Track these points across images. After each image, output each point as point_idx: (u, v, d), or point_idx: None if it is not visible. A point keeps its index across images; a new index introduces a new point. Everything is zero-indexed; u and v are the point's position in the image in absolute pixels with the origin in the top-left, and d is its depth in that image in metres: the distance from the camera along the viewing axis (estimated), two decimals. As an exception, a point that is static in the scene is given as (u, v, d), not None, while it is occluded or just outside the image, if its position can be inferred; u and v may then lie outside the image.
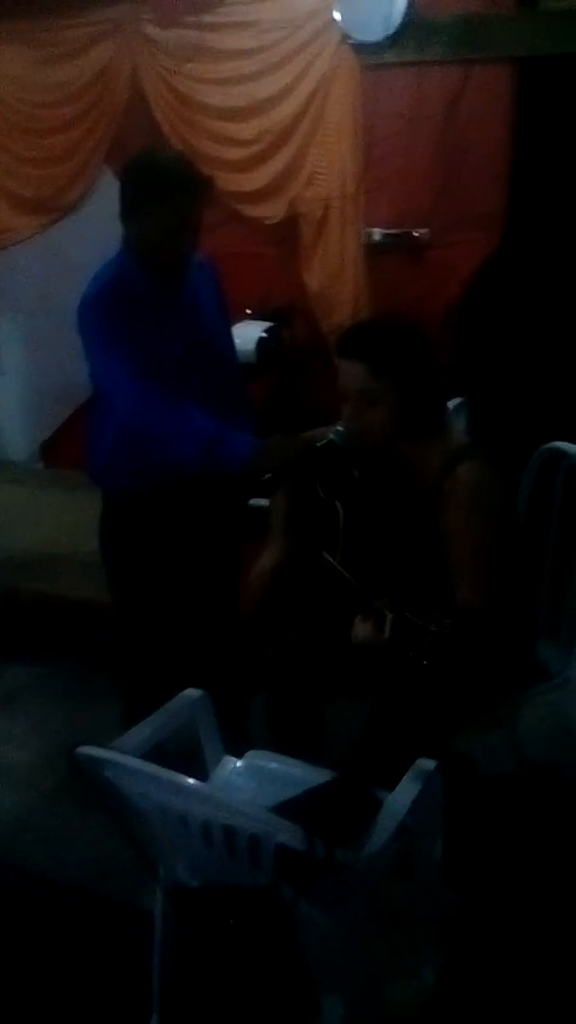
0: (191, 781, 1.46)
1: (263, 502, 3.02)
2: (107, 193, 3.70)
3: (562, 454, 2.44)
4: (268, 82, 3.32)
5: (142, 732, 1.82)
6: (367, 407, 1.99)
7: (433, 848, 1.88)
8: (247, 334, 3.24)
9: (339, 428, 2.05)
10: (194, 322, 2.24)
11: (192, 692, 1.97)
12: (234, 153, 3.42)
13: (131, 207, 2.09)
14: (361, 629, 1.85)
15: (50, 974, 2.05)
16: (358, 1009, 1.71)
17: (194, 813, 1.49)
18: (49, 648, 3.22)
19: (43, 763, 2.74)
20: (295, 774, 1.93)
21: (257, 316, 3.43)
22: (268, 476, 2.03)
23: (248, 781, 1.94)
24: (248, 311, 3.42)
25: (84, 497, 3.69)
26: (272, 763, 2.00)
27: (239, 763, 2.00)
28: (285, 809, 1.52)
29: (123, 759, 1.51)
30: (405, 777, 1.71)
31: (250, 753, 2.02)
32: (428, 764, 1.75)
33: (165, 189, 2.03)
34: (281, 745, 2.10)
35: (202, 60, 3.39)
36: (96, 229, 3.73)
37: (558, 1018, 1.92)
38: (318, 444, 2.05)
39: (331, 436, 2.05)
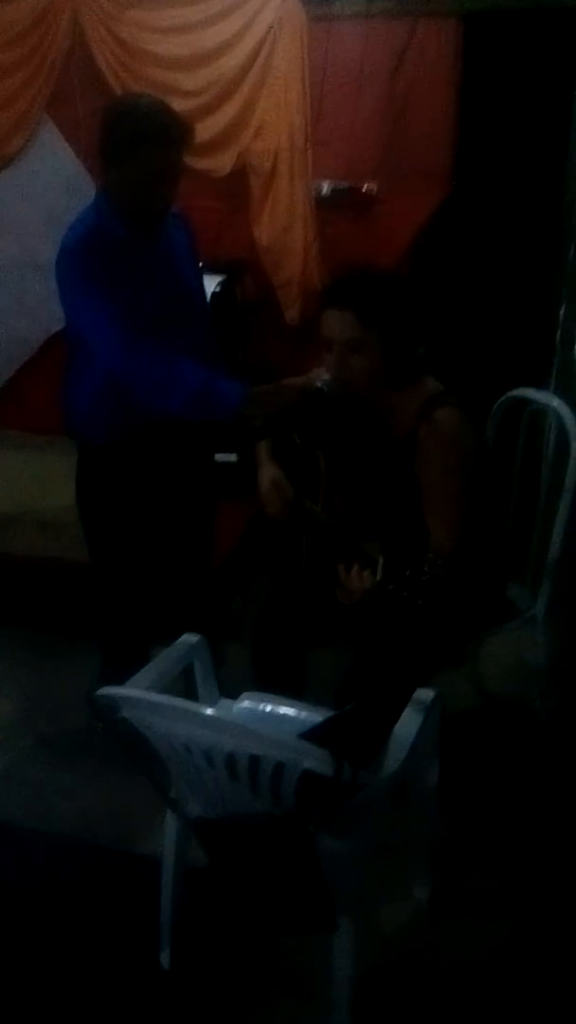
0: (219, 712, 1.50)
1: (228, 457, 3.06)
2: (47, 146, 3.64)
3: (524, 400, 2.53)
4: (214, 31, 3.30)
5: (146, 677, 1.85)
6: (352, 356, 2.03)
7: (429, 774, 1.97)
8: (200, 288, 3.23)
9: (326, 378, 2.09)
10: (171, 272, 2.24)
11: (190, 637, 2.00)
12: (180, 104, 3.31)
13: (114, 153, 2.06)
14: (352, 575, 1.90)
15: (51, 921, 2.07)
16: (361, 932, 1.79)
17: (219, 745, 1.53)
18: (12, 609, 3.18)
19: (19, 721, 2.74)
20: (291, 714, 1.97)
21: (209, 270, 3.41)
22: (258, 424, 2.05)
23: (247, 721, 1.98)
24: (199, 265, 3.40)
25: (33, 457, 3.68)
26: (267, 704, 2.04)
27: (235, 705, 2.04)
28: (308, 737, 1.57)
29: (149, 696, 1.54)
30: (408, 707, 1.79)
31: (245, 695, 2.06)
32: (428, 694, 1.84)
33: (149, 134, 2.01)
34: (264, 688, 2.14)
35: (145, 7, 3.33)
36: (35, 183, 3.68)
37: (541, 928, 2.05)
38: (306, 393, 2.08)
39: (319, 385, 2.08)
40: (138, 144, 2.02)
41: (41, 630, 3.11)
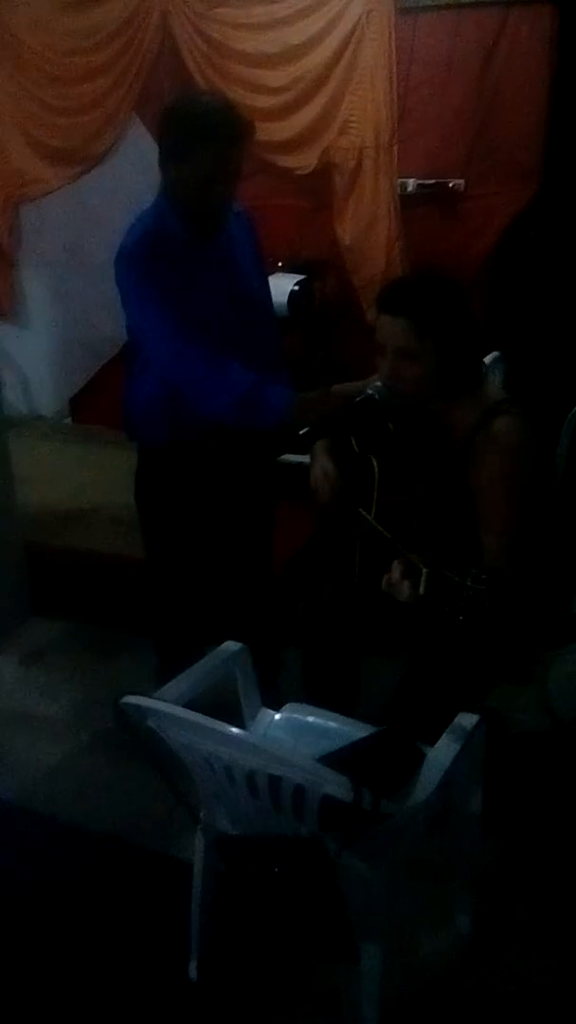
0: (238, 731, 1.46)
1: (294, 458, 3.02)
2: (136, 145, 3.66)
3: (602, 409, 2.41)
4: (301, 27, 3.26)
5: (182, 684, 1.83)
6: (405, 364, 1.96)
7: (472, 801, 1.89)
8: (278, 287, 3.19)
9: (378, 384, 2.02)
10: (232, 273, 2.21)
11: (231, 645, 1.97)
12: (266, 101, 3.35)
13: (171, 152, 2.04)
14: (396, 584, 1.84)
15: (85, 922, 2.08)
16: (394, 957, 1.73)
17: (240, 763, 1.49)
18: (78, 603, 3.23)
19: (76, 716, 2.77)
20: (333, 727, 1.93)
21: (288, 269, 3.39)
22: (305, 431, 2.01)
23: (286, 734, 1.95)
24: (279, 264, 3.37)
25: (112, 452, 3.72)
26: (310, 716, 2.00)
27: (277, 716, 2.00)
28: (331, 760, 1.53)
29: (170, 708, 1.51)
30: (447, 731, 1.71)
31: (288, 706, 2.03)
32: (470, 719, 1.75)
33: (207, 133, 1.98)
34: (315, 699, 2.10)
35: (233, 4, 3.31)
36: (124, 182, 3.71)
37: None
38: (356, 400, 2.02)
39: (370, 391, 2.02)
40: (194, 143, 1.99)
41: (106, 625, 3.15)
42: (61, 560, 3.23)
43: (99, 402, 3.98)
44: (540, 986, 1.91)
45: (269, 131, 3.33)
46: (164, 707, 1.53)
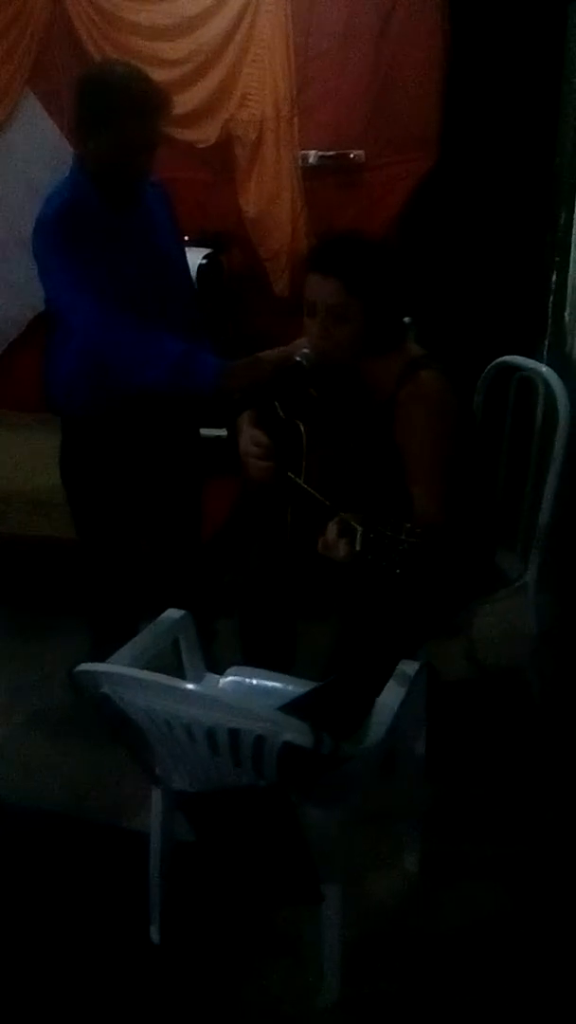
0: (198, 687, 1.49)
1: (214, 431, 3.04)
2: (30, 120, 3.58)
3: (513, 367, 2.51)
4: (196, -2, 3.23)
5: (129, 653, 1.85)
6: (336, 324, 2.00)
7: (416, 745, 1.97)
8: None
9: (305, 350, 2.06)
10: (150, 244, 2.21)
11: (173, 612, 2.00)
12: (163, 74, 3.29)
13: (89, 122, 2.02)
14: (332, 544, 1.88)
15: (42, 900, 2.07)
16: (347, 898, 1.79)
17: (200, 720, 1.52)
18: (2, 588, 3.19)
19: (9, 699, 2.75)
20: (278, 687, 1.98)
21: (195, 243, 3.37)
22: (236, 397, 2.03)
23: (234, 695, 1.98)
24: (186, 238, 3.36)
25: (24, 435, 3.65)
26: (254, 678, 2.04)
27: (222, 680, 2.03)
28: (288, 709, 1.57)
29: (129, 671, 1.53)
30: (392, 677, 1.78)
31: (231, 669, 2.06)
32: (412, 666, 1.83)
33: (126, 102, 1.98)
34: (253, 662, 2.14)
35: (126, -26, 3.27)
36: (19, 159, 3.62)
37: (534, 896, 2.05)
38: (286, 366, 2.05)
39: (297, 358, 2.05)
40: (113, 114, 1.99)
41: (30, 609, 3.12)
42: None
43: (4, 384, 3.88)
44: (487, 916, 2.00)
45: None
46: (123, 670, 1.55)
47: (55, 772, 2.44)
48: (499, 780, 2.38)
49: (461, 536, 2.03)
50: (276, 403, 2.20)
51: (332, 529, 1.86)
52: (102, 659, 1.83)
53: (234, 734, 1.52)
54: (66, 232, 2.06)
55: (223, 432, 3.09)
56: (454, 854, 2.16)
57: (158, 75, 3.28)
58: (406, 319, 2.90)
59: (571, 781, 2.35)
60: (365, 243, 2.06)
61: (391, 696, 1.75)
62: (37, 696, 2.72)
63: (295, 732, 1.45)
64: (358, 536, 1.80)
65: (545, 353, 3.18)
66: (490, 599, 2.41)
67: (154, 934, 1.95)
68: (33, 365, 3.48)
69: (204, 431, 2.72)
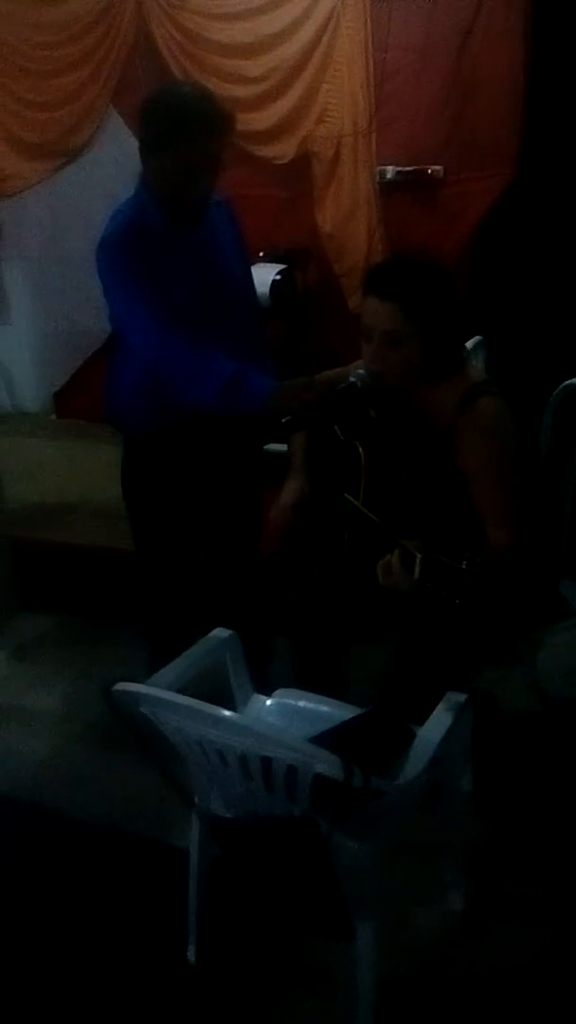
0: (229, 713, 1.48)
1: (280, 447, 3.03)
2: (114, 138, 3.66)
3: (584, 390, 2.43)
4: (276, 16, 3.26)
5: (173, 671, 1.84)
6: (390, 349, 1.97)
7: (462, 779, 1.91)
8: (260, 277, 3.18)
9: (360, 371, 2.03)
10: (214, 263, 2.21)
11: (220, 632, 1.98)
12: (243, 91, 3.35)
13: (152, 142, 2.04)
14: (391, 571, 1.85)
15: (83, 912, 2.09)
16: (388, 935, 1.74)
17: (232, 746, 1.50)
18: (67, 596, 3.24)
19: (66, 709, 2.78)
20: (324, 711, 1.94)
21: (269, 259, 3.39)
22: (288, 419, 2.02)
23: (278, 719, 1.96)
24: (260, 254, 3.38)
25: (97, 446, 3.72)
26: (301, 701, 2.01)
27: (268, 701, 2.01)
28: (321, 740, 1.54)
29: (162, 693, 1.53)
30: (437, 709, 1.73)
31: (279, 692, 2.04)
32: (459, 697, 1.77)
33: (188, 123, 1.98)
34: (305, 686, 2.11)
35: (208, -5, 3.31)
36: (103, 175, 3.70)
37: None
38: (339, 388, 2.03)
39: (352, 379, 2.03)
40: (175, 133, 2.00)
41: (95, 618, 3.16)
42: (49, 554, 3.23)
43: (82, 396, 3.97)
44: (532, 960, 1.93)
45: (247, 121, 3.33)
46: (156, 692, 1.54)
47: (106, 784, 2.45)
48: (554, 817, 2.29)
49: (523, 564, 1.97)
50: (335, 424, 2.18)
51: (395, 559, 1.82)
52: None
53: (266, 762, 1.49)
54: (128, 250, 2.08)
55: (285, 448, 3.10)
56: (502, 894, 2.09)
57: (239, 92, 3.36)
58: (476, 339, 2.87)
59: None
60: (424, 266, 2.01)
61: (433, 729, 1.70)
62: (93, 707, 2.74)
63: (326, 764, 1.42)
64: (417, 563, 1.76)
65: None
66: (555, 629, 2.34)
67: (191, 954, 1.94)
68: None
69: (271, 447, 2.72)
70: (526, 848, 2.21)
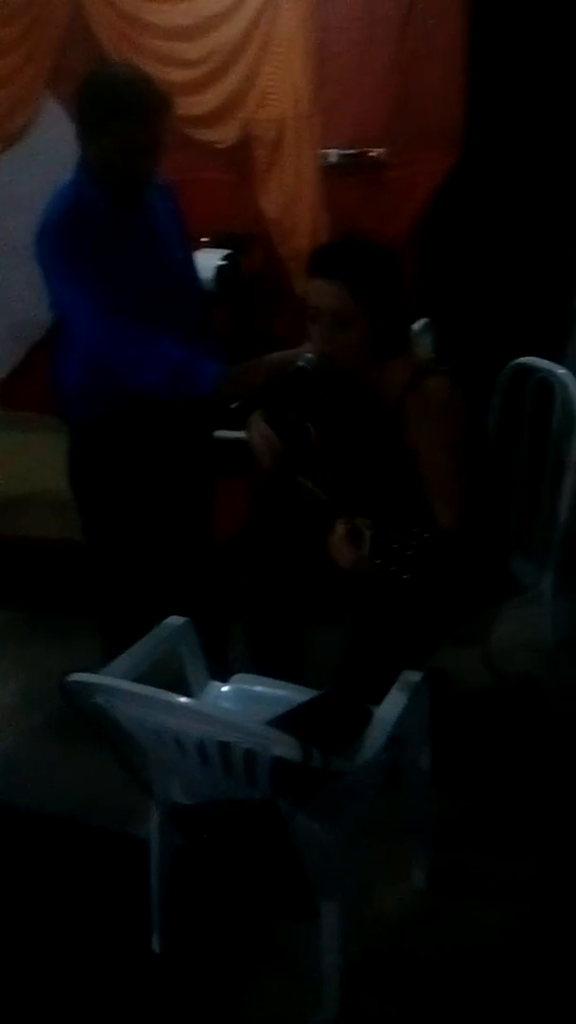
0: (184, 699, 1.47)
1: (230, 434, 3.02)
2: (51, 123, 3.58)
3: (531, 369, 2.45)
4: (214, -2, 3.21)
5: (127, 661, 1.83)
6: (339, 329, 1.97)
7: (420, 757, 1.93)
8: (206, 262, 3.16)
9: (308, 355, 2.03)
10: (156, 247, 2.19)
11: (175, 619, 1.98)
12: (182, 74, 3.30)
13: (89, 125, 2.02)
14: (340, 547, 1.86)
15: (46, 904, 2.07)
16: (352, 914, 1.76)
17: (189, 732, 1.50)
18: (19, 591, 3.20)
19: (24, 702, 2.75)
20: (282, 695, 1.95)
21: (214, 243, 3.35)
22: (236, 404, 2.01)
23: (235, 704, 1.96)
24: (204, 239, 3.34)
25: (46, 438, 3.64)
26: (257, 686, 2.02)
27: (225, 687, 2.01)
28: (279, 723, 1.54)
29: (117, 683, 1.52)
30: (393, 688, 1.74)
31: (235, 677, 2.04)
32: (414, 676, 1.79)
33: (123, 105, 1.96)
34: (261, 669, 2.11)
35: (145, -25, 3.25)
36: (40, 161, 3.62)
37: (545, 914, 2.00)
38: (288, 371, 2.02)
39: (300, 363, 2.03)
40: (112, 117, 1.97)
41: (50, 611, 3.12)
42: (2, 549, 3.18)
43: (28, 387, 3.89)
44: (496, 934, 1.96)
45: (187, 105, 3.27)
46: (110, 682, 1.53)
47: (66, 777, 2.44)
48: (513, 792, 2.33)
49: (473, 542, 1.99)
50: (286, 407, 2.18)
51: (340, 529, 1.84)
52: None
53: (224, 747, 1.49)
54: (68, 235, 2.05)
55: (241, 434, 3.08)
56: (464, 869, 2.12)
57: (177, 76, 3.31)
58: (423, 321, 2.88)
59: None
60: (368, 246, 2.01)
61: (391, 708, 1.71)
62: (50, 700, 2.70)
63: (284, 747, 1.42)
64: (366, 539, 1.77)
65: (570, 353, 3.11)
66: (505, 606, 2.36)
67: (155, 943, 1.94)
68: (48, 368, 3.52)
69: (221, 433, 2.71)
70: (486, 823, 2.24)
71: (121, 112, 1.96)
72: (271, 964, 1.90)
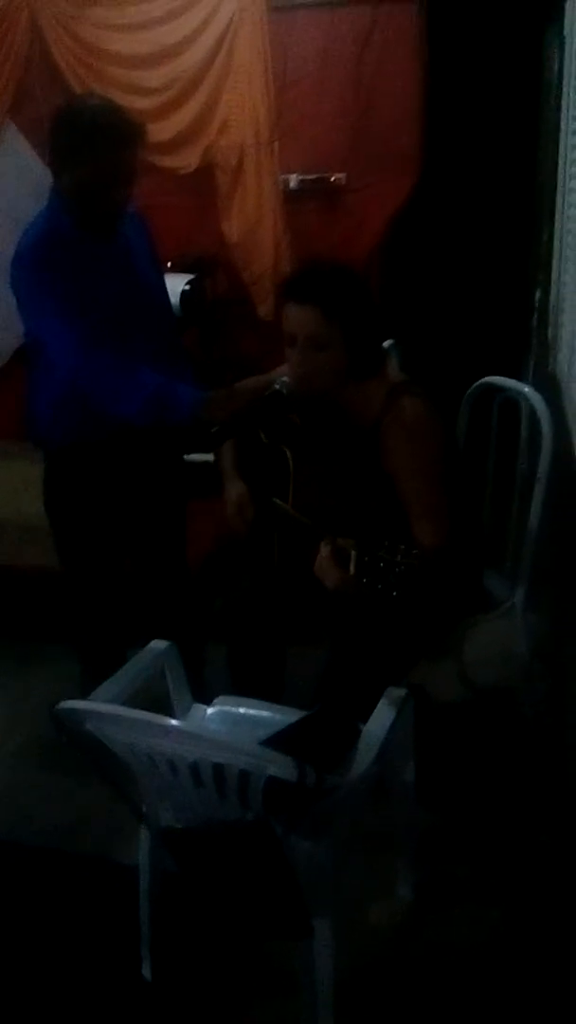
0: (179, 723, 1.48)
1: (201, 457, 3.03)
2: (11, 150, 3.59)
3: (496, 388, 2.51)
4: (175, 27, 3.25)
5: (114, 686, 1.83)
6: (315, 352, 2.00)
7: (405, 771, 1.95)
8: (170, 287, 3.12)
9: (284, 379, 2.06)
10: (129, 274, 2.21)
11: (158, 643, 1.98)
12: (143, 102, 3.33)
13: (64, 156, 2.03)
14: (326, 568, 1.87)
15: (31, 936, 2.05)
16: (342, 929, 1.77)
17: (183, 755, 1.51)
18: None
19: (1, 730, 2.72)
20: (266, 716, 1.97)
21: (178, 268, 3.38)
22: (215, 429, 2.03)
23: (221, 726, 1.97)
24: (169, 264, 3.37)
25: (10, 464, 3.65)
26: (241, 708, 2.03)
27: (209, 710, 2.02)
28: (271, 743, 1.55)
29: (109, 708, 1.52)
30: (379, 704, 1.77)
31: (219, 699, 2.05)
32: (399, 692, 1.81)
33: (99, 136, 1.98)
34: (242, 691, 2.13)
35: (104, 4, 3.29)
36: (3, 189, 3.63)
37: (530, 924, 2.03)
38: (265, 395, 2.05)
39: (276, 386, 2.06)
40: (87, 146, 2.00)
41: (20, 638, 3.10)
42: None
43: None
44: (483, 943, 1.98)
45: (149, 132, 3.26)
46: (103, 708, 1.53)
47: (43, 805, 2.42)
48: (493, 802, 2.36)
49: (453, 558, 2.02)
50: (259, 430, 2.20)
51: (324, 550, 1.85)
52: (92, 689, 1.83)
53: (218, 769, 1.50)
54: (43, 263, 2.06)
55: (209, 457, 3.10)
56: (449, 879, 2.14)
57: (138, 103, 3.34)
58: (388, 342, 2.92)
59: (564, 801, 2.33)
60: (339, 269, 2.06)
61: (378, 724, 1.73)
62: (27, 727, 2.70)
63: (278, 766, 1.43)
64: (352, 559, 1.79)
65: (530, 372, 3.19)
66: (479, 620, 2.40)
67: (146, 970, 1.93)
68: (15, 394, 3.51)
69: (190, 456, 2.73)
70: (467, 832, 2.27)
71: (97, 143, 1.99)
72: (264, 984, 1.91)
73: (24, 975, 1.96)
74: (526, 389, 2.43)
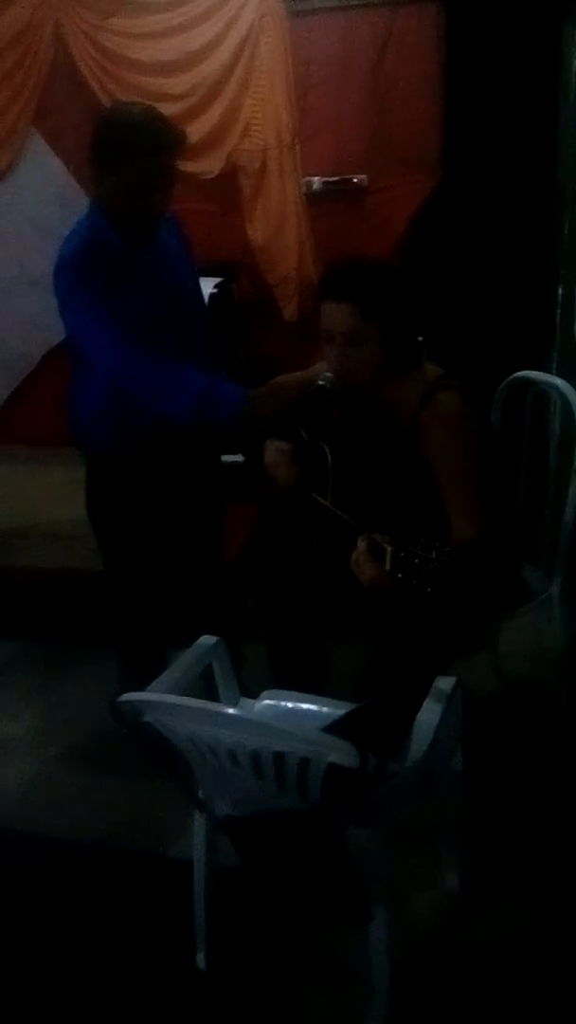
0: (241, 712, 1.50)
1: (234, 458, 3.06)
2: (36, 160, 3.64)
3: (529, 382, 2.53)
4: (196, 33, 3.29)
5: (168, 680, 1.85)
6: (353, 349, 2.03)
7: (453, 762, 1.97)
8: (197, 291, 3.23)
9: (327, 374, 2.09)
10: (168, 277, 2.25)
11: (207, 639, 2.01)
12: (166, 109, 3.23)
13: (106, 163, 2.06)
14: (362, 564, 1.89)
15: (88, 932, 2.08)
16: (391, 919, 1.79)
17: (244, 744, 1.53)
18: (25, 622, 3.20)
19: (40, 734, 2.75)
20: (313, 709, 1.98)
21: (203, 273, 3.41)
22: (263, 425, 2.06)
23: (271, 719, 1.99)
24: (195, 268, 3.40)
25: (41, 470, 3.69)
26: (288, 701, 2.04)
27: (258, 704, 2.04)
28: (331, 731, 1.58)
29: (172, 699, 1.55)
30: (429, 696, 1.79)
31: (266, 693, 2.07)
32: (448, 682, 1.84)
33: (141, 143, 2.02)
34: (284, 685, 2.15)
35: (126, 14, 3.33)
36: (27, 198, 3.68)
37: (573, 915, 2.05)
38: (309, 391, 2.08)
39: (320, 382, 2.08)
40: (130, 153, 2.03)
41: (54, 642, 3.13)
42: (5, 581, 3.19)
43: (18, 420, 3.92)
44: (530, 934, 2.00)
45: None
46: (166, 698, 1.56)
47: (89, 805, 2.44)
48: (533, 794, 2.38)
49: (488, 551, 2.04)
50: (300, 426, 2.23)
51: (361, 546, 1.87)
52: (132, 689, 1.85)
53: (279, 758, 1.53)
54: (86, 270, 2.09)
55: (239, 458, 3.13)
56: (493, 871, 2.16)
57: (162, 110, 3.36)
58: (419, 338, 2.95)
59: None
60: (373, 266, 2.09)
61: (430, 713, 1.76)
62: (67, 730, 2.72)
63: (341, 753, 1.46)
64: (388, 555, 1.81)
65: (554, 366, 3.20)
66: (515, 614, 2.42)
67: (200, 961, 1.95)
68: (47, 399, 3.55)
69: (225, 458, 2.76)
70: (509, 825, 2.29)
71: (138, 149, 2.02)
72: (317, 975, 1.93)
73: (79, 969, 1.98)
74: (559, 382, 2.45)
